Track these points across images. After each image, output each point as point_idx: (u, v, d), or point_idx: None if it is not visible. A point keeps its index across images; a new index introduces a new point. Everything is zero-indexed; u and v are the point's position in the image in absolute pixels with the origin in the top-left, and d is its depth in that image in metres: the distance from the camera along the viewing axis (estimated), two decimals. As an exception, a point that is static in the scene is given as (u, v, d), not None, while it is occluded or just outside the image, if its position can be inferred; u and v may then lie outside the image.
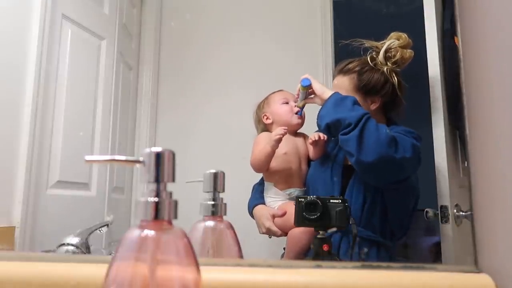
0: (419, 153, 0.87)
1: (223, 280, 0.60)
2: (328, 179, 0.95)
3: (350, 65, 0.97)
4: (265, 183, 1.02)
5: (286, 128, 0.96)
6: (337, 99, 0.90)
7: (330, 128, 0.89)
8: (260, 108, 1.06)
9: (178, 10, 1.29)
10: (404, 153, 0.84)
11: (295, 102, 1.01)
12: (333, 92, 0.92)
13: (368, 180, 0.90)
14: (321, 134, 0.96)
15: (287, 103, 1.02)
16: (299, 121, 1.01)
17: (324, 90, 0.93)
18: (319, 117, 0.92)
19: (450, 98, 0.79)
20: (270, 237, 0.97)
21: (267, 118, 1.04)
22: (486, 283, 0.57)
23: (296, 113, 1.00)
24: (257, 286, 0.60)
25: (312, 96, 0.97)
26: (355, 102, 0.89)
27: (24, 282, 0.64)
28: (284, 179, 0.99)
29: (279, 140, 0.95)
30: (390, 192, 0.90)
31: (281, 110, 1.02)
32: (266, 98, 1.06)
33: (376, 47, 0.95)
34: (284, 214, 0.96)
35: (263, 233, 0.98)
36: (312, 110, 0.97)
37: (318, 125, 0.93)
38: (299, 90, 0.98)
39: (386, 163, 0.85)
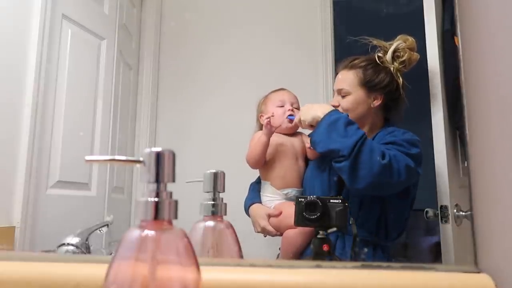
0: (416, 166, 0.87)
1: (223, 280, 0.60)
2: (325, 179, 0.95)
3: (356, 61, 0.97)
4: (262, 181, 1.02)
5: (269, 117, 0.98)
6: (329, 124, 0.90)
7: (324, 154, 0.91)
8: (260, 105, 1.07)
9: (178, 10, 1.29)
10: (398, 177, 0.85)
11: (292, 105, 1.02)
12: (323, 112, 0.91)
13: None
14: None
15: (282, 106, 1.03)
16: (290, 125, 1.01)
17: (308, 118, 0.94)
18: (312, 142, 0.93)
19: (450, 98, 0.79)
20: (265, 236, 0.98)
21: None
22: (486, 283, 0.57)
23: (288, 116, 1.01)
24: (257, 286, 0.60)
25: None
26: (348, 123, 0.88)
27: (24, 282, 0.64)
28: (281, 178, 1.00)
29: (268, 125, 0.97)
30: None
31: (274, 113, 1.03)
32: (266, 96, 1.06)
33: (384, 46, 0.95)
34: (279, 214, 0.96)
35: (258, 232, 0.98)
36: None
37: (312, 148, 0.94)
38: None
39: (378, 187, 0.87)
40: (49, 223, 1.05)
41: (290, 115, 1.01)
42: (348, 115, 0.90)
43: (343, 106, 0.96)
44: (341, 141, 0.87)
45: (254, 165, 1.01)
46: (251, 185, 1.04)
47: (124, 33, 1.27)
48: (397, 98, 0.94)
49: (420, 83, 0.91)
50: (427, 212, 0.86)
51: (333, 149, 0.87)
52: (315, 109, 0.94)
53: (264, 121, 0.98)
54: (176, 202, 0.46)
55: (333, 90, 1.00)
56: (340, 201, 0.84)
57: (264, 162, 1.00)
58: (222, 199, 0.67)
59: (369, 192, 0.88)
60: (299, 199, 0.85)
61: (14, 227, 1.00)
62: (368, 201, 0.90)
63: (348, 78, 0.96)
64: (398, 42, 0.94)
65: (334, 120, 0.90)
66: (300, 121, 0.96)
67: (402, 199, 0.91)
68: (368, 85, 0.94)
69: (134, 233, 0.45)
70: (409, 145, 0.88)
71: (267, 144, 0.99)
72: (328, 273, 0.62)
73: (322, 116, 0.91)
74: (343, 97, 0.96)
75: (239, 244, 0.68)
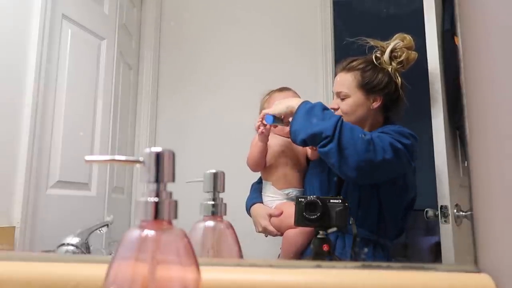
0: (406, 153, 0.87)
1: (223, 280, 0.60)
2: (325, 179, 0.95)
3: (354, 63, 0.96)
4: (263, 182, 1.02)
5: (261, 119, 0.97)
6: (306, 110, 0.90)
7: (307, 142, 0.90)
8: (262, 103, 1.06)
9: (177, 9, 1.29)
10: (383, 154, 0.85)
11: None
12: (297, 103, 0.91)
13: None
14: None
15: None
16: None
17: (281, 108, 0.93)
18: (292, 132, 0.91)
19: (450, 98, 0.79)
20: (266, 236, 0.98)
21: None
22: (486, 283, 0.57)
23: None
24: (257, 286, 0.60)
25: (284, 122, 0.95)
26: (324, 108, 0.90)
27: (24, 282, 0.64)
28: (282, 178, 1.00)
29: (261, 131, 0.96)
30: (386, 190, 0.90)
31: None
32: (269, 95, 1.05)
33: (382, 46, 0.95)
34: (280, 214, 0.96)
35: (259, 232, 0.98)
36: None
37: (293, 140, 0.91)
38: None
39: (367, 168, 0.86)
40: (49, 223, 1.05)
41: None
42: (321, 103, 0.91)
43: (342, 109, 0.95)
44: (322, 124, 0.87)
45: (254, 168, 1.02)
46: (252, 185, 1.05)
47: (124, 33, 1.28)
48: (396, 98, 0.94)
49: (420, 83, 0.91)
50: (427, 212, 0.86)
51: (315, 132, 0.87)
52: (288, 101, 0.94)
53: (258, 129, 0.97)
54: (176, 202, 0.46)
55: (333, 92, 0.99)
56: (340, 201, 0.84)
57: (264, 166, 1.00)
58: (222, 199, 0.67)
59: (361, 178, 0.87)
60: (299, 199, 0.85)
61: (14, 227, 1.00)
62: (367, 198, 0.90)
63: (347, 81, 0.96)
64: (395, 42, 0.93)
65: (311, 107, 0.90)
66: (264, 118, 0.95)
67: (400, 195, 0.91)
68: (367, 87, 0.94)
69: (134, 233, 0.45)
70: (398, 134, 0.88)
71: (264, 149, 0.99)
72: (328, 273, 0.62)
73: (297, 106, 0.91)
74: (342, 99, 0.96)
75: (239, 244, 0.68)
